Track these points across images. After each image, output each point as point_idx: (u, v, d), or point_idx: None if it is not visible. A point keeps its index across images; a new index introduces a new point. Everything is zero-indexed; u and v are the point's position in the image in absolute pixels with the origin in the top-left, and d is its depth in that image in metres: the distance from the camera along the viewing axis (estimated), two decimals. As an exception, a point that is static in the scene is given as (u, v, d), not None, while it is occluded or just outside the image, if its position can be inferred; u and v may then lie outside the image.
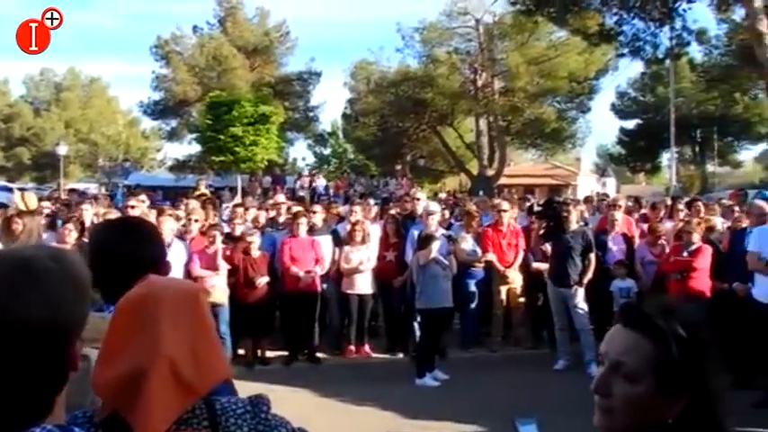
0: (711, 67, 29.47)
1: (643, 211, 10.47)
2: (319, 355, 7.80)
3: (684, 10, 17.51)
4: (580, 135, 33.98)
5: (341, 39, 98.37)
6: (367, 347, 8.06)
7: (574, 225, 7.79)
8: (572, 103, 31.39)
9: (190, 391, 1.19)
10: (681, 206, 9.72)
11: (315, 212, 8.41)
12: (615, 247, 8.46)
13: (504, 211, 8.55)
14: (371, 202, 10.12)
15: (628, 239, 8.62)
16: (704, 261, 7.34)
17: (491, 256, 8.32)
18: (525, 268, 8.41)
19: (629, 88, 42.05)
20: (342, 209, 10.12)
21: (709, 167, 41.25)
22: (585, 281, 7.55)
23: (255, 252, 7.60)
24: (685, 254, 7.48)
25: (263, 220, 9.07)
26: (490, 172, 29.56)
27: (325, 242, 8.02)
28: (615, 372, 1.25)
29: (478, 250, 8.38)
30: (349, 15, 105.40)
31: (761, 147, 40.82)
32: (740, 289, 6.78)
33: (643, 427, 1.24)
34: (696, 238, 7.46)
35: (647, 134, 39.56)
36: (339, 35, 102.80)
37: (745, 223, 7.58)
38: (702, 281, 7.32)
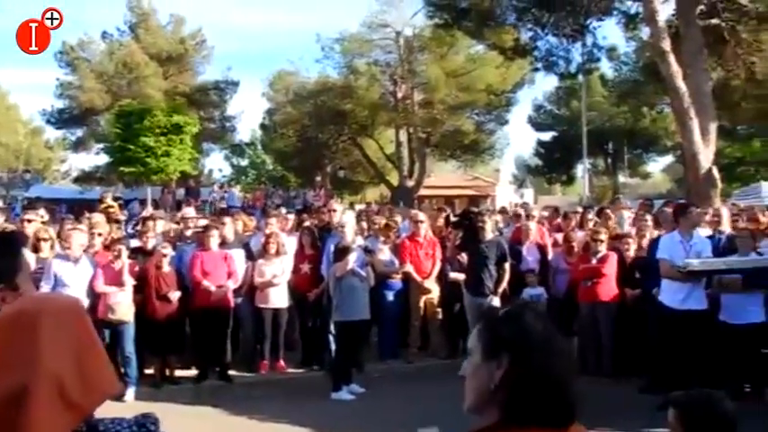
0: (621, 83, 30.97)
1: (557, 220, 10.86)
2: (232, 372, 7.62)
3: (595, 28, 18.43)
4: (498, 147, 34.98)
5: (259, 48, 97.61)
6: (282, 362, 7.94)
7: (489, 235, 8.00)
8: (490, 116, 32.27)
9: (76, 409, 1.14)
10: (591, 216, 10.16)
11: (224, 224, 8.22)
12: (530, 256, 8.74)
13: (421, 221, 8.66)
14: (284, 212, 10.05)
15: (542, 249, 8.93)
16: (611, 268, 7.71)
17: (409, 267, 8.41)
18: (442, 278, 8.55)
19: (545, 102, 43.80)
20: (254, 221, 9.96)
21: (621, 178, 43.32)
22: (501, 290, 7.75)
23: (167, 266, 7.39)
24: (594, 261, 7.83)
25: (174, 234, 8.84)
26: (410, 183, 29.95)
27: (238, 255, 7.88)
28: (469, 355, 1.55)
29: (396, 261, 8.47)
30: (268, 25, 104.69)
31: (667, 159, 43.23)
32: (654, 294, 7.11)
33: (482, 396, 1.47)
34: (603, 246, 7.82)
35: (562, 146, 41.18)
36: (257, 44, 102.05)
37: (653, 232, 8.01)
38: (610, 286, 7.68)
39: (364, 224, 9.85)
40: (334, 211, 9.28)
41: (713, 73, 16.62)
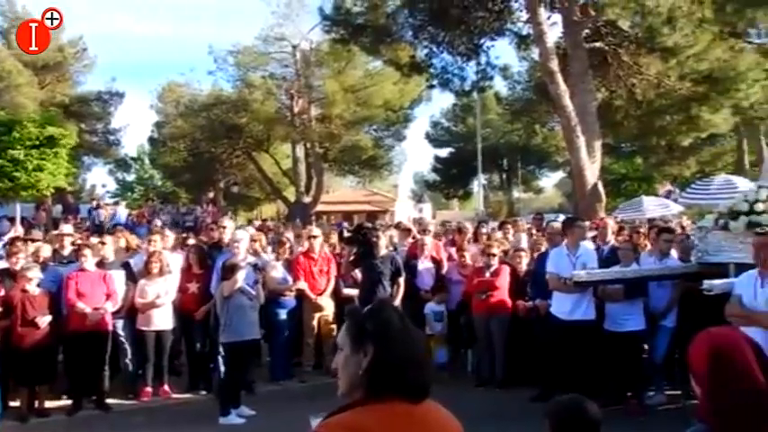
0: (515, 101, 32.29)
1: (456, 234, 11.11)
2: (110, 401, 7.22)
3: (488, 47, 19.11)
4: (396, 162, 35.69)
5: (147, 58, 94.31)
6: (166, 387, 7.62)
7: (383, 250, 8.06)
8: (388, 131, 32.79)
9: None
10: (484, 230, 10.49)
11: (104, 244, 7.84)
12: (425, 270, 8.88)
13: (315, 237, 8.62)
14: (159, 224, 9.72)
15: (437, 263, 9.10)
16: (504, 280, 7.96)
17: (302, 284, 8.34)
18: (337, 295, 8.52)
19: (442, 118, 45.07)
20: (136, 239, 9.55)
21: (515, 193, 45.16)
22: (395, 305, 7.80)
23: (34, 289, 6.91)
24: (487, 274, 8.06)
25: (47, 253, 8.28)
26: (307, 199, 29.84)
27: (118, 276, 7.51)
28: (338, 350, 1.82)
29: (289, 278, 8.37)
30: (156, 34, 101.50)
31: (559, 174, 45.47)
32: (542, 306, 7.40)
33: (353, 382, 1.75)
34: (495, 260, 8.07)
35: (459, 162, 42.47)
36: (145, 54, 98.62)
37: (544, 245, 8.35)
38: (503, 299, 7.92)
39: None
40: (225, 227, 9.04)
41: (598, 93, 17.66)
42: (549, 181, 51.25)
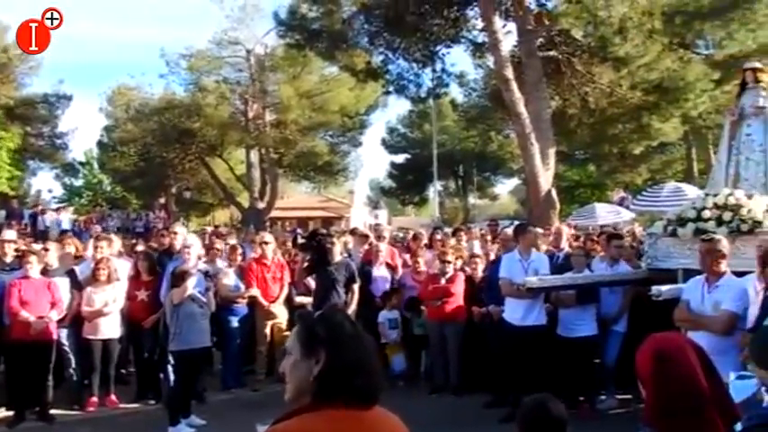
0: (470, 108, 32.64)
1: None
2: (54, 412, 7.01)
3: (444, 54, 19.27)
4: (352, 168, 35.63)
5: (96, 61, 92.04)
6: (113, 397, 7.46)
7: (338, 257, 8.03)
8: (344, 137, 32.76)
9: None
10: (439, 236, 10.55)
11: (47, 250, 7.63)
12: (380, 277, 8.88)
13: (267, 243, 8.54)
14: (99, 230, 9.54)
15: (392, 269, 9.11)
16: (459, 287, 8.01)
17: (255, 291, 8.26)
18: (290, 303, 8.45)
19: (399, 124, 45.28)
20: (81, 246, 9.31)
21: (471, 200, 45.65)
22: (349, 312, 7.77)
23: (-26, 297, 6.68)
24: (443, 281, 8.10)
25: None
26: (261, 205, 29.57)
27: (63, 283, 7.30)
28: (287, 354, 1.82)
29: (241, 285, 8.28)
30: (106, 37, 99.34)
31: (514, 181, 46.14)
32: (495, 311, 7.46)
33: (302, 388, 1.74)
34: (450, 267, 8.12)
35: (415, 168, 42.69)
36: (94, 57, 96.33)
37: (495, 252, 8.45)
38: (457, 305, 7.97)
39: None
40: (176, 233, 8.89)
41: (552, 101, 17.97)
42: (505, 188, 52.02)
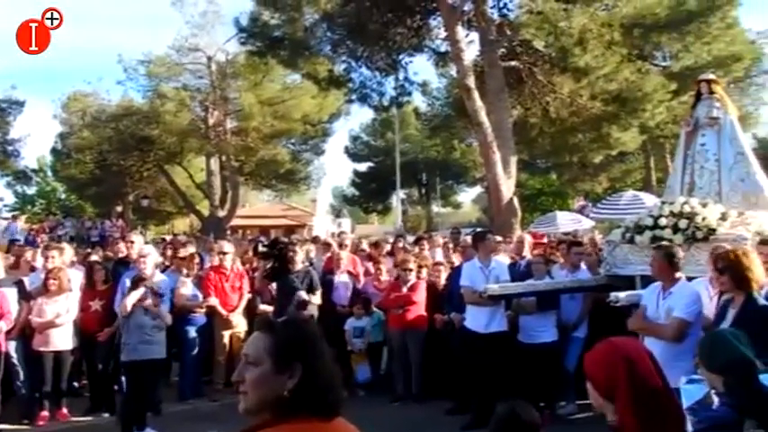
0: (434, 117, 32.91)
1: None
2: (2, 426, 6.80)
3: (407, 63, 19.37)
4: (315, 176, 35.50)
5: (51, 66, 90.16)
6: (65, 410, 7.28)
7: (299, 265, 7.99)
8: (306, 145, 32.68)
9: None
10: (401, 244, 10.58)
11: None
12: (341, 285, 8.86)
13: (226, 253, 8.46)
14: (45, 239, 9.35)
15: (354, 277, 9.10)
16: (420, 295, 8.03)
17: (213, 301, 8.17)
18: (250, 311, 8.37)
19: (362, 133, 45.35)
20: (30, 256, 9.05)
21: (434, 208, 45.90)
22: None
23: None
24: (404, 289, 8.11)
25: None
26: (222, 213, 29.26)
27: (11, 294, 7.11)
28: (247, 363, 1.71)
29: (200, 294, 8.18)
30: (62, 41, 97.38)
31: (476, 189, 46.56)
32: (456, 319, 7.50)
33: (268, 402, 1.66)
34: (412, 275, 8.14)
35: (378, 177, 42.81)
36: (48, 62, 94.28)
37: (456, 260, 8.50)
38: (420, 313, 7.99)
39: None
40: (133, 242, 8.74)
41: (514, 110, 18.21)
42: (468, 196, 52.43)
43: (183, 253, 9.21)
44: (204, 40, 28.59)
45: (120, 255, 8.78)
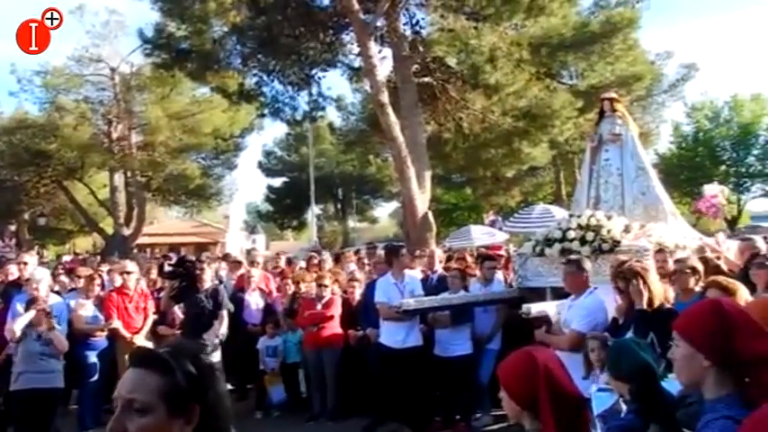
0: (349, 131, 32.98)
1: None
2: None
3: (320, 77, 19.33)
4: (227, 192, 34.81)
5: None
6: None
7: (208, 283, 7.80)
8: (218, 160, 32.02)
9: None
10: (316, 261, 10.52)
11: None
12: (253, 303, 8.71)
13: (129, 273, 8.16)
14: None
15: (266, 295, 8.96)
16: (335, 311, 8.00)
17: (116, 323, 7.85)
18: (155, 334, 8.09)
19: (276, 147, 44.94)
20: None
21: (351, 223, 45.93)
22: (217, 340, 7.54)
23: None
24: (319, 306, 8.04)
25: None
26: (127, 231, 28.21)
27: None
28: (128, 409, 1.43)
29: (101, 317, 7.83)
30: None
31: (393, 204, 46.92)
32: (372, 334, 7.50)
33: None
34: (327, 291, 8.09)
35: (293, 192, 42.47)
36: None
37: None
38: (335, 329, 7.94)
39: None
40: (26, 264, 8.29)
41: (428, 126, 18.51)
42: (384, 210, 52.76)
43: (82, 272, 8.80)
44: (107, 51, 27.60)
45: (12, 277, 8.31)
